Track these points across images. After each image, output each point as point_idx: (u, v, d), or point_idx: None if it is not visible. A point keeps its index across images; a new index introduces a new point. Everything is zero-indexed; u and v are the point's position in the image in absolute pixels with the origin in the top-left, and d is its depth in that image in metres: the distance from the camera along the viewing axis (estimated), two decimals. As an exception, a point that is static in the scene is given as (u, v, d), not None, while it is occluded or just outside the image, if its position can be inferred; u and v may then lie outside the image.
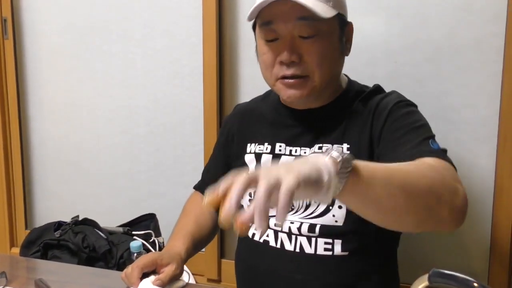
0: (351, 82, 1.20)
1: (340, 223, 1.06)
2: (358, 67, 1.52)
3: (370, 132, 1.07)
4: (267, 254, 1.13)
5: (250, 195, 0.99)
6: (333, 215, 1.06)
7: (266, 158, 1.16)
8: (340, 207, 1.06)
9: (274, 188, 0.61)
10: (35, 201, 2.11)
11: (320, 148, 1.10)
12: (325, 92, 1.11)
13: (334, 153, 0.67)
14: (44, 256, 1.56)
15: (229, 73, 1.72)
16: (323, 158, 0.66)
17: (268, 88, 1.18)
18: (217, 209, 0.64)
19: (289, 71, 1.05)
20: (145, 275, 1.05)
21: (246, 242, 1.19)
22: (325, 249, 1.07)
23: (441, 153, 0.95)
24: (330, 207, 1.07)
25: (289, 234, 1.10)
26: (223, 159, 1.30)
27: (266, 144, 1.18)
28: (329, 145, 1.09)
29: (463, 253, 1.53)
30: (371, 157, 1.06)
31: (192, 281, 1.56)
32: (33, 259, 1.49)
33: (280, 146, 1.15)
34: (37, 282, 1.05)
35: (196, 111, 1.78)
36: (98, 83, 1.92)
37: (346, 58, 1.47)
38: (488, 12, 1.41)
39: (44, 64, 1.99)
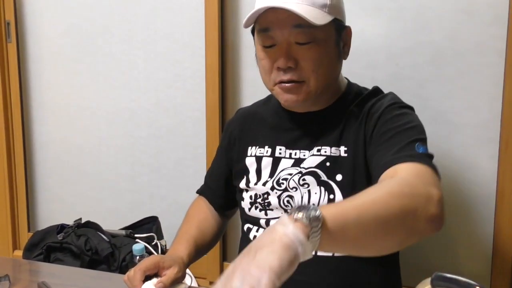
0: (350, 85, 1.21)
1: None
2: (359, 70, 1.52)
3: (364, 134, 1.08)
4: None
5: None
6: None
7: (266, 161, 1.17)
8: None
9: None
10: (37, 203, 2.11)
11: (318, 150, 1.11)
12: (323, 96, 1.12)
13: (299, 215, 0.65)
14: (46, 259, 1.57)
15: (231, 75, 1.72)
16: (289, 227, 0.65)
17: (269, 92, 1.18)
18: None
19: (285, 76, 1.06)
20: (147, 277, 1.05)
21: (247, 244, 1.20)
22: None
23: (422, 157, 0.95)
24: None
25: None
26: (226, 163, 1.30)
27: (266, 147, 1.19)
28: (327, 148, 1.10)
29: (465, 256, 1.53)
30: (366, 158, 1.08)
31: (194, 284, 1.56)
32: (36, 262, 1.50)
33: (280, 149, 1.17)
34: (40, 285, 1.06)
35: (198, 113, 1.78)
36: (101, 86, 1.93)
37: (348, 60, 1.47)
38: (490, 15, 1.41)
39: (47, 67, 2.00)
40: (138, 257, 1.19)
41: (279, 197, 1.13)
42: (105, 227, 1.62)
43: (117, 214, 1.95)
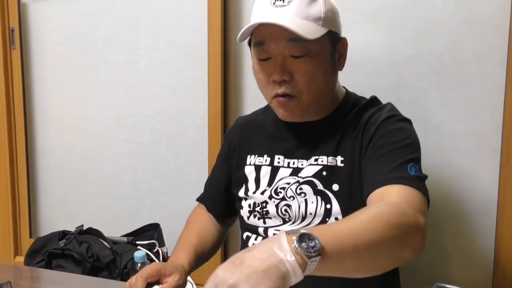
0: (348, 94, 1.21)
1: None
2: (361, 79, 1.53)
3: (360, 145, 1.09)
4: None
5: None
6: None
7: (265, 170, 1.18)
8: (336, 219, 1.08)
9: None
10: (39, 209, 2.12)
11: (316, 160, 1.11)
12: (319, 107, 1.13)
13: (300, 249, 0.68)
14: (48, 266, 1.57)
15: (233, 83, 1.73)
16: (288, 257, 0.67)
17: None
18: None
19: (280, 90, 1.08)
20: (149, 285, 1.05)
21: None
22: None
23: (414, 180, 0.97)
24: (327, 219, 1.08)
25: None
26: (225, 171, 1.31)
27: (265, 156, 1.20)
28: (324, 157, 1.11)
29: (466, 265, 1.52)
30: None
31: (195, 291, 1.56)
32: (37, 268, 1.50)
33: (279, 158, 1.18)
34: (42, 292, 1.06)
35: (200, 120, 1.79)
36: (103, 93, 1.94)
37: (350, 70, 1.48)
38: (491, 25, 1.41)
39: (50, 74, 2.01)
40: (139, 264, 1.19)
41: (277, 206, 1.14)
42: (106, 233, 1.62)
43: (118, 220, 1.95)
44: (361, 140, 1.08)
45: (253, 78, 1.71)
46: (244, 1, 1.67)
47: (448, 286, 0.61)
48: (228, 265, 0.67)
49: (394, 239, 0.81)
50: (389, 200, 0.92)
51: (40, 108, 2.05)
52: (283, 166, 1.16)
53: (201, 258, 1.27)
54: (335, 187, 1.09)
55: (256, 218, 1.18)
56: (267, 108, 1.29)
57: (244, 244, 1.22)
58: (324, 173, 1.10)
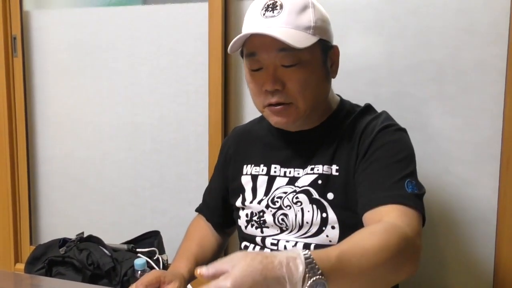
0: (343, 102, 1.21)
1: (334, 242, 1.07)
2: (362, 87, 1.54)
3: (356, 154, 1.09)
4: None
5: None
6: (327, 235, 1.08)
7: (262, 180, 1.19)
8: (333, 227, 1.08)
9: None
10: (40, 217, 2.12)
11: (312, 169, 1.12)
12: (313, 115, 1.13)
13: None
14: (48, 273, 1.56)
15: (234, 91, 1.74)
16: None
17: None
18: None
19: (273, 99, 1.07)
20: (149, 293, 1.05)
21: None
22: None
23: (411, 198, 0.98)
24: (323, 228, 1.08)
25: None
26: (222, 181, 1.31)
27: (261, 165, 1.20)
28: (320, 166, 1.11)
29: (466, 274, 1.52)
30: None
31: (195, 299, 1.56)
32: (37, 276, 1.50)
33: (275, 167, 1.18)
34: (42, 299, 1.06)
35: (200, 128, 1.79)
36: (104, 100, 1.94)
37: (351, 77, 1.49)
38: (490, 34, 1.42)
39: (52, 81, 2.02)
40: (139, 272, 1.20)
41: (273, 215, 1.14)
42: (107, 241, 1.62)
43: (119, 228, 1.95)
44: (356, 150, 1.09)
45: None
46: (244, 10, 1.68)
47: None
48: (250, 273, 0.68)
49: (395, 265, 0.84)
50: (390, 222, 0.93)
51: (42, 115, 2.06)
52: (279, 176, 1.16)
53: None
54: (330, 195, 1.09)
55: (254, 227, 1.18)
56: (262, 118, 1.29)
57: None
58: (320, 181, 1.10)
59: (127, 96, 1.90)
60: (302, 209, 1.10)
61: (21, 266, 2.03)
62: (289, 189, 1.13)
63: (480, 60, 1.44)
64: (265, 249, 1.15)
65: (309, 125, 1.15)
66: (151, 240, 1.71)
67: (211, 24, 1.69)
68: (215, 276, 0.69)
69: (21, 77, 2.03)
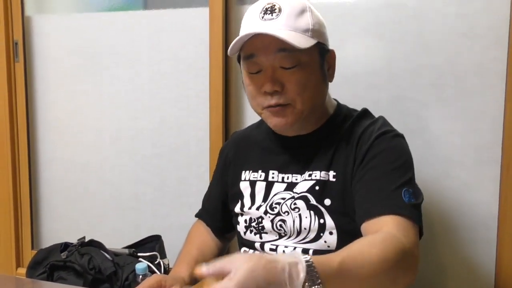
0: (339, 107, 1.21)
1: (332, 247, 1.08)
2: (362, 91, 1.54)
3: (354, 160, 1.09)
4: None
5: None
6: (325, 241, 1.08)
7: (260, 186, 1.19)
8: (331, 233, 1.08)
9: None
10: (41, 221, 2.12)
11: (309, 175, 1.12)
12: (310, 118, 1.13)
13: None
14: (50, 278, 1.57)
15: (235, 96, 1.74)
16: None
17: None
18: None
19: (272, 100, 1.07)
20: (150, 297, 1.05)
21: None
22: None
23: (408, 209, 0.98)
24: (321, 234, 1.08)
25: None
26: (221, 187, 1.32)
27: (260, 171, 1.20)
28: (318, 172, 1.11)
29: (467, 279, 1.52)
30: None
31: (196, 303, 1.56)
32: (39, 280, 1.50)
33: (273, 173, 1.18)
34: (43, 304, 1.06)
35: (201, 133, 1.80)
36: (105, 105, 1.95)
37: (351, 82, 1.49)
38: (490, 38, 1.43)
39: (53, 86, 2.03)
40: (141, 276, 1.20)
41: (272, 221, 1.14)
42: (108, 245, 1.62)
43: (120, 232, 1.95)
44: (354, 156, 1.09)
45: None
46: (245, 13, 1.69)
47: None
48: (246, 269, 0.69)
49: (393, 276, 0.85)
50: (389, 232, 0.94)
51: (43, 120, 2.06)
52: (277, 181, 1.16)
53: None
54: (327, 201, 1.09)
55: (253, 233, 1.18)
56: (261, 123, 1.30)
57: None
58: (317, 187, 1.10)
59: (128, 100, 1.91)
60: (300, 215, 1.10)
61: (22, 270, 2.03)
62: (287, 195, 1.13)
63: (480, 64, 1.44)
64: None
65: (306, 129, 1.15)
66: (152, 244, 1.71)
67: (212, 29, 1.70)
68: (214, 275, 0.70)
69: (22, 82, 2.03)
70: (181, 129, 1.84)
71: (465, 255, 1.51)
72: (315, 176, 1.11)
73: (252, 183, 1.20)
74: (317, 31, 1.09)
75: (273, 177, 1.17)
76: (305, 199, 1.11)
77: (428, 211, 1.50)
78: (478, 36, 1.44)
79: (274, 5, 1.06)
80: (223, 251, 1.37)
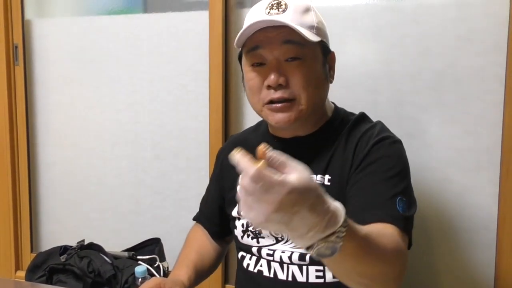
0: (337, 110, 1.21)
1: None
2: (362, 94, 1.55)
3: (350, 166, 1.08)
4: (262, 283, 1.14)
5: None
6: None
7: None
8: None
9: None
10: (41, 224, 2.12)
11: None
12: (310, 119, 1.12)
13: (323, 245, 0.69)
14: (49, 281, 1.56)
15: (234, 99, 1.74)
16: (315, 237, 0.68)
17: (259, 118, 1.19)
18: None
19: (276, 95, 1.06)
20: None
21: (242, 271, 1.21)
22: (317, 277, 1.08)
23: (401, 220, 0.98)
24: None
25: (281, 263, 1.11)
26: (218, 191, 1.32)
27: None
28: (314, 176, 1.10)
29: (466, 281, 1.52)
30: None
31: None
32: (38, 283, 1.50)
33: None
34: (43, 307, 1.06)
35: (201, 136, 1.80)
36: (105, 108, 1.95)
37: (351, 85, 1.49)
38: (489, 42, 1.43)
39: (53, 90, 2.03)
40: (140, 279, 1.20)
41: None
42: (107, 248, 1.62)
43: (120, 235, 1.95)
44: (351, 162, 1.08)
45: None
46: (244, 17, 1.68)
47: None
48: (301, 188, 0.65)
49: (389, 272, 0.85)
50: (390, 232, 0.94)
51: (43, 123, 2.06)
52: None
53: (201, 274, 1.27)
54: None
55: (250, 237, 1.17)
56: (257, 126, 1.29)
57: (240, 264, 1.22)
58: None
59: (128, 103, 1.91)
60: None
61: (21, 273, 2.03)
62: None
63: (479, 67, 1.45)
64: (262, 260, 1.15)
65: (304, 131, 1.15)
66: (151, 247, 1.71)
67: (212, 32, 1.70)
68: (271, 163, 0.65)
69: (22, 85, 2.04)
70: (181, 133, 1.84)
71: (464, 258, 1.51)
72: None
73: None
74: (321, 30, 1.10)
75: None
76: None
77: (427, 215, 1.51)
78: (477, 40, 1.44)
79: (280, 2, 1.07)
80: (221, 254, 1.37)
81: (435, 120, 1.50)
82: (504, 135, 1.43)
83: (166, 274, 1.56)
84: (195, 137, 1.82)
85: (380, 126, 1.14)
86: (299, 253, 1.09)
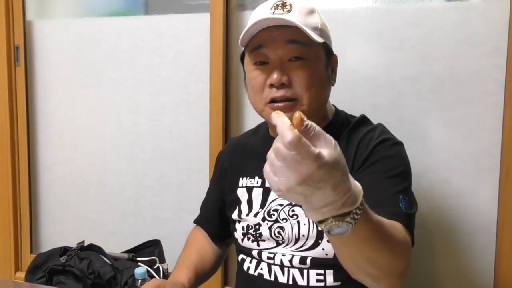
0: (338, 112, 1.21)
1: (330, 255, 1.07)
2: (362, 96, 1.55)
3: (351, 169, 1.08)
4: (263, 287, 1.14)
5: None
6: (323, 249, 1.08)
7: (257, 192, 1.18)
8: (328, 241, 1.07)
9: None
10: (41, 225, 2.12)
11: None
12: (312, 120, 1.11)
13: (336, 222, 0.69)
14: (49, 282, 1.56)
15: (235, 101, 1.75)
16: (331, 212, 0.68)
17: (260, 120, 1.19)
18: None
19: (278, 93, 1.06)
20: (149, 302, 1.06)
21: (242, 274, 1.21)
22: (318, 280, 1.08)
23: (404, 218, 0.98)
24: (319, 241, 1.08)
25: (282, 266, 1.11)
26: (218, 194, 1.32)
27: (256, 178, 1.19)
28: None
29: (466, 285, 1.52)
30: None
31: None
32: (38, 285, 1.50)
33: None
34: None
35: (201, 138, 1.80)
36: (106, 110, 1.95)
37: (351, 87, 1.49)
38: (489, 46, 1.43)
39: (54, 91, 2.03)
40: (140, 281, 1.20)
41: (270, 228, 1.13)
42: (107, 250, 1.62)
43: (119, 237, 1.95)
44: (352, 163, 1.08)
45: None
46: (245, 19, 1.70)
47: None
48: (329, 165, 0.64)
49: (395, 264, 0.84)
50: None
51: (43, 124, 2.07)
52: None
53: (201, 277, 1.27)
54: None
55: (250, 240, 1.17)
56: (257, 129, 1.30)
57: (240, 266, 1.22)
58: None
59: (128, 105, 1.91)
60: (298, 222, 1.10)
61: (21, 274, 2.03)
62: (284, 201, 1.12)
63: (479, 71, 1.45)
64: (262, 263, 1.15)
65: None
66: (151, 249, 1.71)
67: (212, 34, 1.71)
68: (303, 131, 0.64)
69: (23, 86, 2.04)
70: (181, 134, 1.85)
71: (464, 261, 1.51)
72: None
73: (249, 190, 1.19)
74: (325, 32, 1.11)
75: None
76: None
77: (427, 217, 1.51)
78: (477, 43, 1.44)
79: (285, 2, 1.07)
80: (221, 256, 1.37)
81: (435, 123, 1.50)
82: (504, 139, 1.43)
83: (165, 276, 1.56)
84: (195, 139, 1.82)
85: (381, 129, 1.14)
86: (300, 257, 1.09)
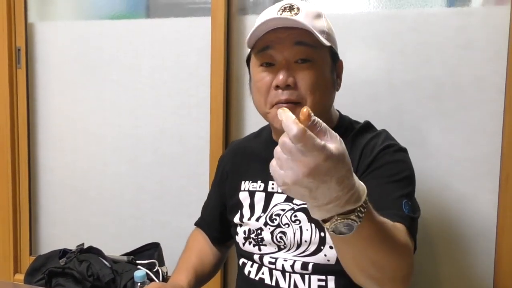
0: (342, 117, 1.21)
1: (332, 262, 1.07)
2: (362, 102, 1.55)
3: (355, 174, 1.08)
4: None
5: None
6: (325, 255, 1.07)
7: (259, 196, 1.17)
8: (331, 247, 1.07)
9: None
10: (40, 227, 2.12)
11: None
12: None
13: (341, 222, 0.69)
14: (48, 284, 1.56)
15: (236, 105, 1.75)
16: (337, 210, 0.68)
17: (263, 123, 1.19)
18: None
19: (283, 96, 1.06)
20: (148, 305, 1.06)
21: (243, 278, 1.20)
22: (319, 286, 1.08)
23: (408, 221, 0.98)
24: (322, 247, 1.07)
25: (283, 271, 1.11)
26: (219, 197, 1.32)
27: (259, 181, 1.19)
28: None
29: (466, 289, 1.52)
30: None
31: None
32: (37, 287, 1.50)
33: (273, 183, 1.16)
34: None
35: (202, 142, 1.80)
36: (107, 112, 1.96)
37: (352, 92, 1.49)
38: (489, 51, 1.44)
39: (54, 93, 2.03)
40: (139, 284, 1.20)
41: (272, 233, 1.13)
42: (107, 252, 1.62)
43: (119, 239, 1.95)
44: (355, 169, 1.07)
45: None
46: (246, 23, 1.70)
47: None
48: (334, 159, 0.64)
49: (397, 266, 0.84)
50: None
51: (44, 126, 2.07)
52: (277, 192, 1.15)
53: (201, 279, 1.27)
54: None
55: (251, 245, 1.17)
56: (259, 132, 1.29)
57: (240, 270, 1.22)
58: None
59: (129, 108, 1.92)
60: (300, 227, 1.09)
61: (20, 276, 2.02)
62: (287, 206, 1.12)
63: (479, 76, 1.45)
64: (263, 267, 1.15)
65: None
66: (151, 252, 1.71)
67: (214, 38, 1.71)
68: (309, 126, 0.64)
69: (24, 88, 2.04)
70: (182, 138, 1.85)
71: (463, 265, 1.51)
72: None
73: (252, 194, 1.19)
74: (331, 36, 1.11)
75: (272, 188, 1.16)
76: (305, 211, 1.09)
77: (427, 222, 1.51)
78: (478, 49, 1.45)
79: (293, 5, 1.07)
80: (221, 259, 1.37)
81: (435, 128, 1.50)
82: (503, 144, 1.44)
83: (165, 279, 1.56)
84: (196, 142, 1.82)
85: (385, 135, 1.14)
86: (301, 262, 1.09)
